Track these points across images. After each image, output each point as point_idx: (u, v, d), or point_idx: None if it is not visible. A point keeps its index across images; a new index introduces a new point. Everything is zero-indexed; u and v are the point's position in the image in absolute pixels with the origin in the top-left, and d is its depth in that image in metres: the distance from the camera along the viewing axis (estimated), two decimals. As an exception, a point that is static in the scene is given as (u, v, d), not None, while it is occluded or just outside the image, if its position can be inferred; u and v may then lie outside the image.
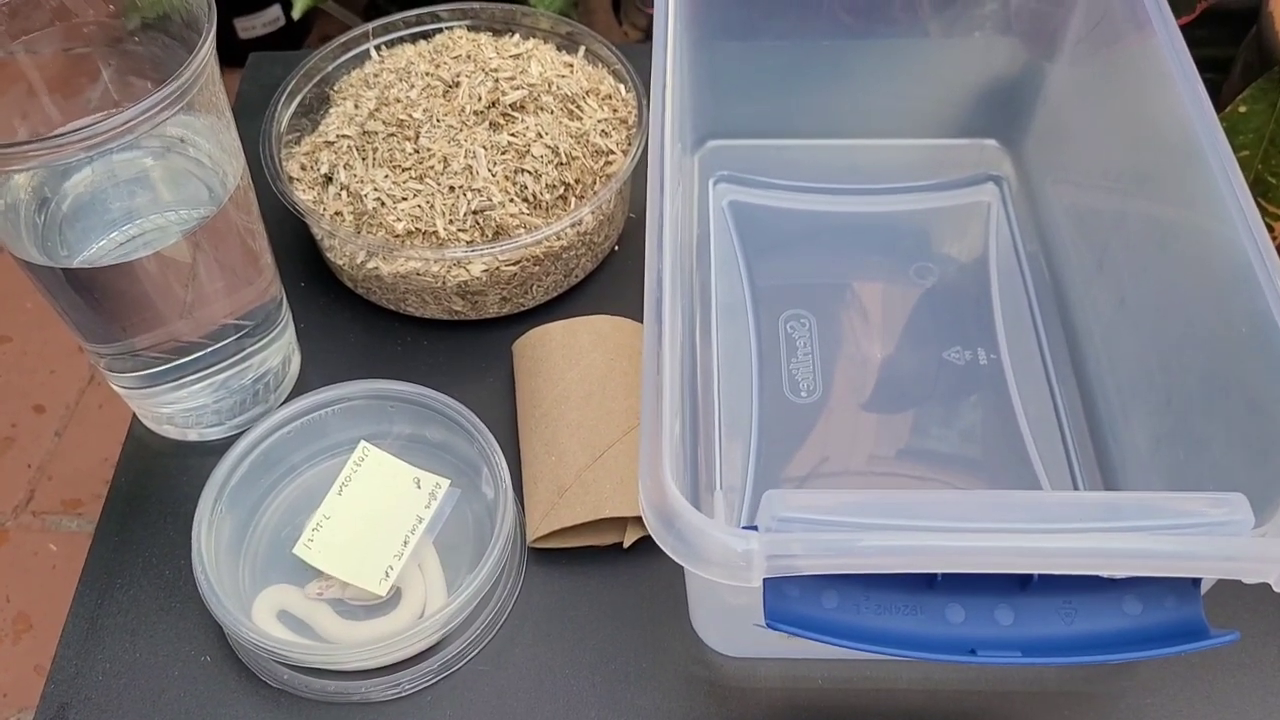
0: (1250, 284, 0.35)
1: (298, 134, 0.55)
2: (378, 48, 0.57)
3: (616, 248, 0.56)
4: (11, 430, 1.01)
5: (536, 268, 0.50)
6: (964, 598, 0.33)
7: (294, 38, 1.33)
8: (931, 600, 0.33)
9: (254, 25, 1.29)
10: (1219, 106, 1.02)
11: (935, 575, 0.32)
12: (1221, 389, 0.37)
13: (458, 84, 0.51)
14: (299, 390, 0.51)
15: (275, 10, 1.27)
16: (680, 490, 0.31)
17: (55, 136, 0.35)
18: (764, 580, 0.31)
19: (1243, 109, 0.62)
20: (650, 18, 1.03)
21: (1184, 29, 0.46)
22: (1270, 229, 0.63)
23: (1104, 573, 0.31)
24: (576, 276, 0.53)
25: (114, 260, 0.42)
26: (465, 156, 0.49)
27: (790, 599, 0.33)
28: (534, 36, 0.57)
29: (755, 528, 0.31)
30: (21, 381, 1.05)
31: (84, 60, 0.44)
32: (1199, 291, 0.39)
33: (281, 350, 0.50)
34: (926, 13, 0.56)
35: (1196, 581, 0.32)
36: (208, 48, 0.39)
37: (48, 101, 0.44)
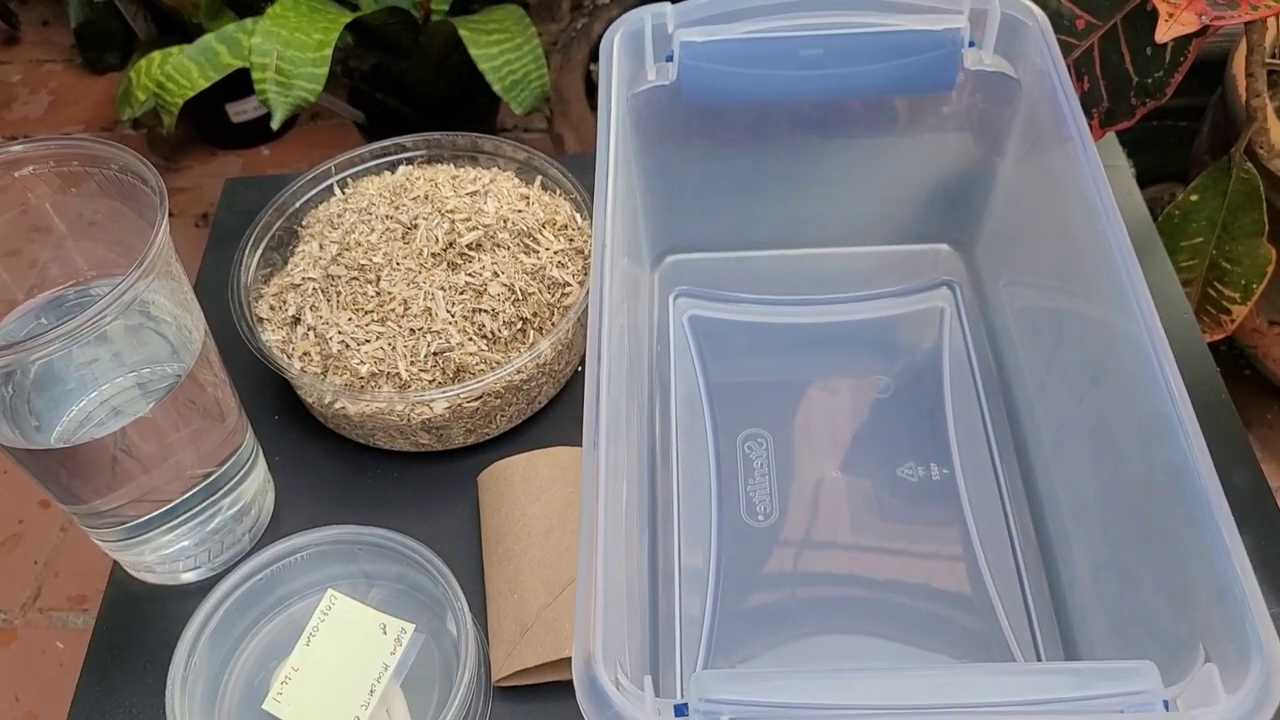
0: (1170, 437, 0.36)
1: (269, 270, 0.57)
2: (342, 183, 0.59)
3: (580, 368, 0.57)
4: (18, 527, 1.03)
5: (498, 400, 0.52)
6: (895, 761, 0.34)
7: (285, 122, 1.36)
8: (864, 764, 0.34)
9: (245, 109, 1.32)
10: (1188, 158, 1.03)
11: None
12: (1148, 531, 0.38)
13: (416, 226, 0.53)
14: (275, 523, 0.53)
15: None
16: (630, 640, 0.33)
17: (30, 339, 0.37)
18: (695, 760, 0.32)
19: (1194, 198, 0.63)
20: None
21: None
22: (1228, 312, 0.64)
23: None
24: (539, 403, 0.55)
25: (88, 437, 0.44)
26: (424, 299, 0.51)
27: (726, 770, 0.34)
28: (495, 165, 0.59)
29: (685, 707, 0.33)
30: (27, 478, 1.07)
31: (40, 232, 0.45)
32: (1126, 430, 0.40)
33: (253, 488, 0.52)
34: (870, 107, 0.57)
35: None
36: (164, 232, 0.40)
37: (4, 272, 0.45)
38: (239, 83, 1.28)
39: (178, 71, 0.92)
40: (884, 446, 0.52)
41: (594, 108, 1.00)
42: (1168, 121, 1.19)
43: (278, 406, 0.57)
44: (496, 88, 0.85)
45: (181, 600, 0.50)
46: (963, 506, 0.50)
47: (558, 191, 0.58)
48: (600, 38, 1.04)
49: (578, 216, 0.56)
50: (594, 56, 1.00)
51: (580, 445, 0.51)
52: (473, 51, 0.86)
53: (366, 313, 0.52)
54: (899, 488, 0.51)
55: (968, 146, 0.58)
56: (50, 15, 1.61)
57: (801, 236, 0.60)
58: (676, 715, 0.32)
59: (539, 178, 0.58)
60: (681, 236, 0.60)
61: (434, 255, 0.52)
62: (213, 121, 1.33)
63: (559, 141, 0.92)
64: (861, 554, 0.49)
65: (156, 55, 0.98)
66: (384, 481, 0.54)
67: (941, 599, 0.47)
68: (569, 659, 0.45)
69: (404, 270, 0.52)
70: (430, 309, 0.51)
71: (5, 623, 0.97)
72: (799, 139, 0.57)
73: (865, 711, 0.32)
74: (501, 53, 0.86)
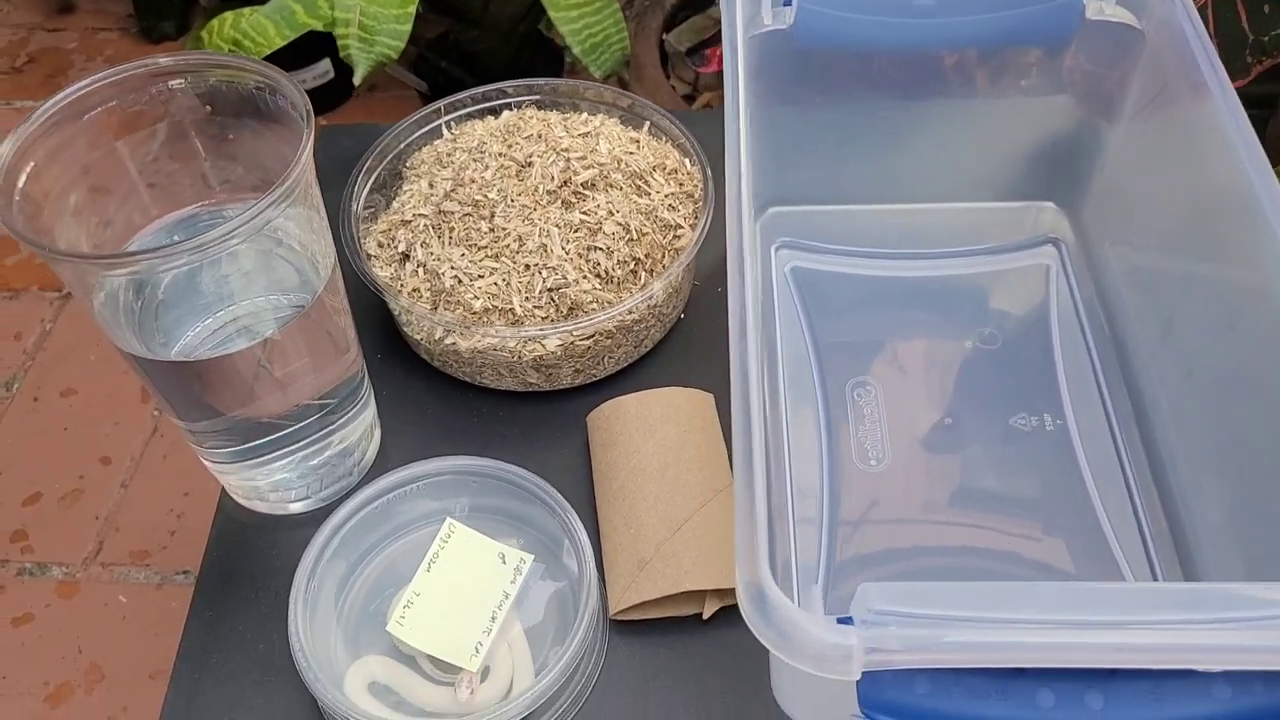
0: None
1: (371, 210, 0.57)
2: (449, 124, 0.59)
3: (683, 315, 0.57)
4: (79, 482, 1.04)
5: (609, 340, 0.52)
6: (1054, 682, 0.33)
7: (343, 90, 1.37)
8: (1021, 685, 0.34)
9: (305, 79, 1.32)
10: (1265, 145, 1.03)
11: (1025, 662, 0.33)
12: (1297, 468, 0.38)
13: (530, 164, 0.53)
14: (380, 461, 0.53)
15: (325, 64, 1.30)
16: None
17: (157, 249, 0.37)
18: (860, 671, 0.32)
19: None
20: (697, 74, 1.05)
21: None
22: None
23: (1194, 666, 0.31)
24: (646, 346, 0.55)
25: (212, 352, 0.44)
26: (540, 235, 0.51)
27: (883, 685, 0.33)
28: (599, 112, 0.59)
29: (850, 619, 0.32)
30: (88, 434, 1.08)
31: (179, 147, 0.45)
32: (1270, 371, 0.40)
33: (365, 423, 0.52)
34: (973, 67, 0.57)
35: (1285, 666, 0.32)
36: (307, 154, 0.40)
37: (143, 186, 0.45)
38: (300, 53, 1.29)
39: (254, 29, 0.92)
40: (995, 397, 0.52)
41: (668, 76, 1.00)
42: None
43: (381, 346, 0.57)
44: (576, 50, 0.85)
45: (290, 530, 0.51)
46: (1077, 456, 0.50)
47: (665, 139, 0.58)
48: (674, 6, 1.04)
49: (686, 162, 0.56)
50: (667, 26, 1.00)
51: (690, 388, 0.51)
52: (553, 14, 0.86)
53: (480, 249, 0.52)
54: (1012, 437, 0.50)
55: (1073, 108, 0.57)
56: (105, -15, 1.62)
57: (902, 191, 0.60)
58: (839, 624, 0.32)
59: (646, 123, 0.58)
60: (784, 189, 0.60)
61: (549, 193, 0.52)
62: (271, 91, 1.33)
63: (633, 109, 0.92)
64: (979, 501, 0.49)
65: (229, 15, 0.98)
66: (490, 420, 0.54)
67: (1060, 546, 0.47)
68: (687, 594, 0.46)
69: (519, 207, 0.52)
70: (546, 245, 0.51)
71: (67, 576, 0.98)
72: (905, 94, 0.57)
73: (1030, 623, 0.31)
74: (581, 15, 0.85)
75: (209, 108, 0.44)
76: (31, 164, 0.40)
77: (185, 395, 0.45)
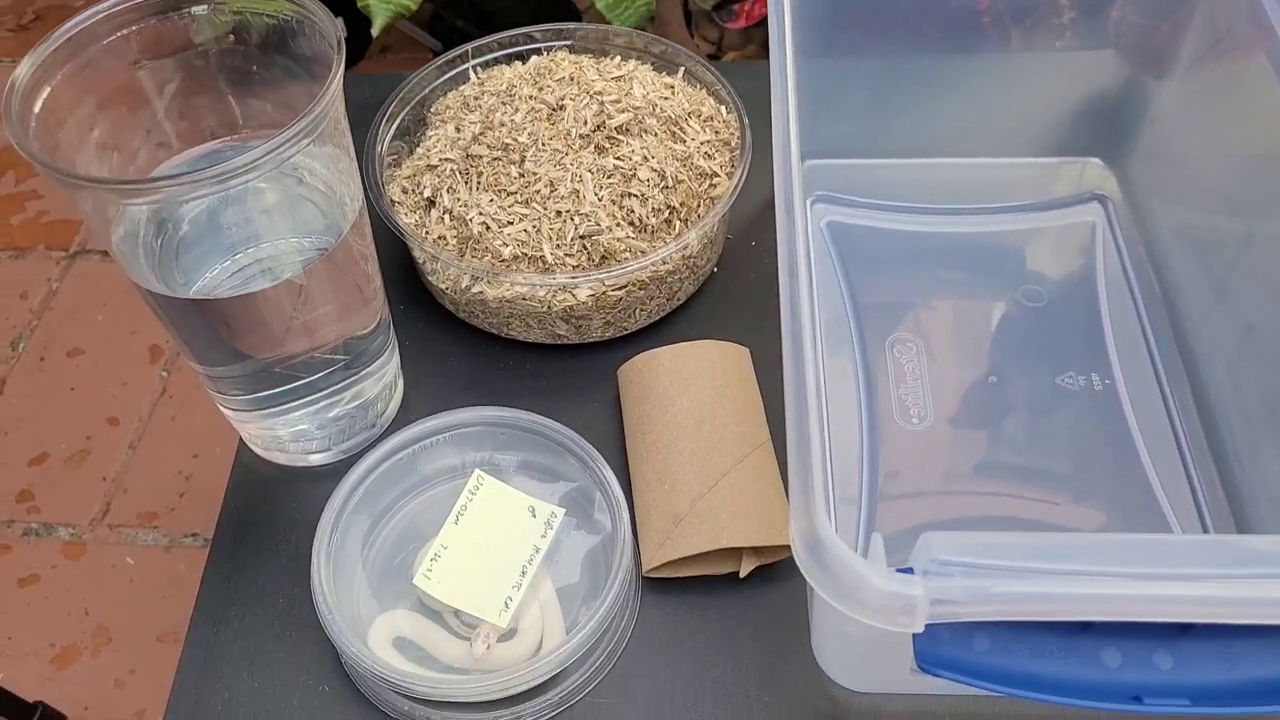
0: None
1: (395, 156, 0.55)
2: (475, 69, 0.57)
3: (716, 269, 0.55)
4: (86, 443, 1.02)
5: (641, 292, 0.50)
6: (1120, 641, 0.32)
7: (356, 50, 1.34)
8: (1085, 643, 0.32)
9: (316, 38, 1.30)
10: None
11: (1092, 618, 0.31)
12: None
13: (563, 107, 0.51)
14: (402, 414, 0.51)
15: (338, 22, 1.28)
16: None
17: (186, 174, 0.35)
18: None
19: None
20: (722, 32, 1.03)
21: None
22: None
23: (1273, 622, 0.30)
24: (678, 300, 0.53)
25: (232, 291, 0.42)
26: (572, 180, 0.49)
27: (941, 641, 0.32)
28: (631, 58, 0.57)
29: (909, 570, 0.31)
30: (95, 394, 1.06)
31: (203, 80, 0.44)
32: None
33: (388, 374, 0.50)
34: (1009, 23, 0.55)
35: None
36: (336, 84, 0.38)
37: (165, 120, 0.44)
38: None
39: (268, -19, 0.89)
40: (1040, 355, 0.50)
41: (692, 34, 0.97)
42: None
43: (404, 296, 0.55)
44: (600, 5, 0.83)
45: (310, 483, 0.49)
46: (1127, 416, 0.48)
47: (700, 86, 0.56)
48: (698, -35, 1.01)
49: (722, 109, 0.54)
50: (691, -17, 0.97)
51: (725, 341, 0.49)
52: (575, -33, 0.84)
53: (509, 194, 0.50)
54: (1059, 395, 0.49)
55: (1119, 62, 0.55)
56: (113, -57, 1.59)
57: (942, 146, 0.58)
58: (902, 574, 0.30)
59: (681, 69, 0.56)
60: (819, 141, 0.58)
61: (582, 137, 0.50)
62: (282, 50, 1.31)
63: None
64: (1026, 461, 0.47)
65: (242, -32, 0.95)
66: (517, 373, 0.52)
67: (1109, 507, 0.46)
68: (723, 552, 0.44)
69: (550, 151, 0.50)
70: (578, 191, 0.49)
71: (74, 537, 0.96)
72: (945, 48, 0.55)
73: (1102, 574, 0.30)
74: (604, -31, 0.83)
75: (233, 37, 0.42)
76: (48, 88, 0.38)
77: (204, 337, 0.43)
